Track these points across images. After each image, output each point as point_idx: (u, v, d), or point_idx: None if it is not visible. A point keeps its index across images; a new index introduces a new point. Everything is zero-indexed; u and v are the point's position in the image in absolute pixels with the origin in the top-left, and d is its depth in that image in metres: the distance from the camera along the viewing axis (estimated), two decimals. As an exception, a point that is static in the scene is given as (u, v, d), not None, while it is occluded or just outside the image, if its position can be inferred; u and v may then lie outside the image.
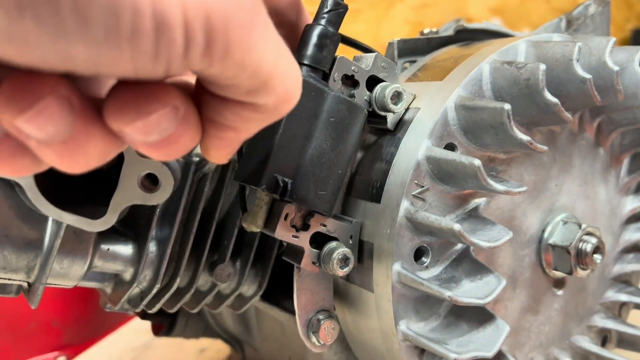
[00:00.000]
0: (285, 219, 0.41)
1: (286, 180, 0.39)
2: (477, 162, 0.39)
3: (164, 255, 0.45)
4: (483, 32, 0.57)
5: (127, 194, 0.37)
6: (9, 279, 0.41)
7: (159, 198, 0.37)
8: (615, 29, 2.06)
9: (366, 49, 0.57)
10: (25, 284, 0.42)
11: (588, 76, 0.42)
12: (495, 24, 0.57)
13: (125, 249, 0.44)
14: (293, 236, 0.42)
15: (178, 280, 0.46)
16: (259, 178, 0.39)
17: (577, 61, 0.43)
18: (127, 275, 0.45)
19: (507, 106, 0.40)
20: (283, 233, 0.41)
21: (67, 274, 0.42)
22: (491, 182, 0.40)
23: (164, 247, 0.45)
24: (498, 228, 0.41)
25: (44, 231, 0.41)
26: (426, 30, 0.64)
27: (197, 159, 0.45)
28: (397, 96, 0.44)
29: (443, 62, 0.49)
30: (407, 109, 0.45)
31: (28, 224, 0.40)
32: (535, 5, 2.17)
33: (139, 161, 0.37)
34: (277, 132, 0.39)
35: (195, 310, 0.51)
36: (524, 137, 0.40)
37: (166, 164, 0.38)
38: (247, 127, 0.26)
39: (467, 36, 0.56)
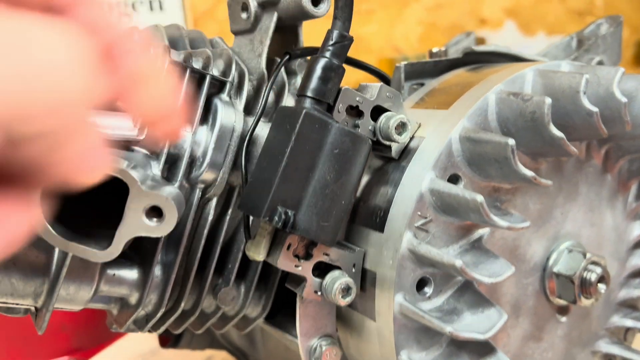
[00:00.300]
0: (288, 249, 0.42)
1: (289, 211, 0.40)
2: (480, 198, 0.39)
3: (169, 279, 0.45)
4: (492, 54, 0.56)
5: (132, 226, 0.38)
6: (17, 304, 0.42)
7: (163, 230, 0.38)
8: (632, 31, 2.04)
9: (374, 71, 0.57)
10: (32, 308, 0.43)
11: (595, 109, 0.42)
12: (504, 46, 0.57)
13: (131, 274, 0.45)
14: (295, 266, 0.42)
15: (182, 304, 0.47)
16: (261, 209, 0.39)
17: (584, 93, 0.43)
18: (133, 299, 0.46)
19: (511, 141, 0.40)
20: (286, 263, 0.42)
21: (74, 299, 0.43)
22: (494, 218, 0.40)
23: (169, 272, 0.46)
24: (501, 262, 0.41)
25: (51, 257, 0.41)
26: (435, 50, 0.64)
27: (203, 185, 0.45)
28: (401, 126, 0.44)
29: (450, 89, 0.49)
30: (412, 137, 0.45)
31: (36, 250, 0.41)
32: (551, 6, 2.15)
33: (143, 194, 0.37)
34: (280, 164, 0.40)
35: (200, 331, 0.52)
36: (528, 173, 0.40)
37: (171, 197, 0.38)
38: None
39: (476, 58, 0.56)
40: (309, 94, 0.40)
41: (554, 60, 0.60)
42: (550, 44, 0.66)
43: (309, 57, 0.52)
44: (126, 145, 0.43)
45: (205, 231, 0.46)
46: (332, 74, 0.41)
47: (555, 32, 1.95)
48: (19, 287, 0.40)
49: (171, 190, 0.39)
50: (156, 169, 0.43)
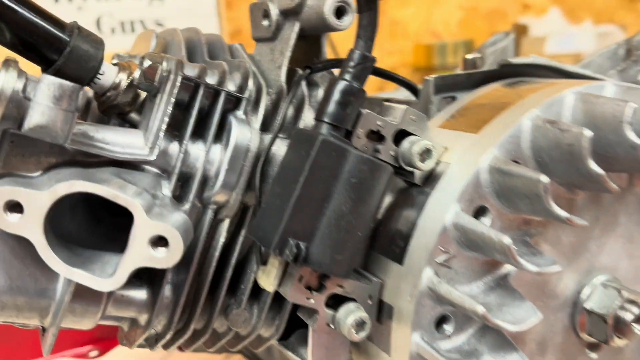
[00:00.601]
0: (300, 281, 0.40)
1: (301, 244, 0.37)
2: (507, 240, 0.36)
3: (179, 300, 0.44)
4: (530, 66, 0.52)
5: (136, 257, 0.36)
6: (23, 324, 0.41)
7: (168, 262, 0.36)
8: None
9: (401, 81, 0.54)
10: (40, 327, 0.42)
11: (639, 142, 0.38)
12: (543, 58, 0.53)
13: (140, 294, 0.44)
14: (307, 298, 0.40)
15: (192, 326, 0.45)
16: (271, 241, 0.37)
17: (629, 124, 0.39)
18: (142, 320, 0.44)
19: (544, 179, 0.37)
20: (297, 296, 0.40)
21: (81, 320, 0.42)
22: (522, 261, 0.37)
23: (179, 293, 0.44)
24: (527, 306, 0.39)
25: (57, 279, 0.40)
26: (470, 56, 0.60)
27: (215, 206, 0.43)
28: (425, 153, 0.41)
29: (482, 108, 0.46)
30: (437, 162, 0.43)
31: (40, 272, 0.40)
32: (600, -9, 2.05)
33: (148, 224, 0.36)
34: (293, 194, 0.37)
35: (212, 350, 0.50)
36: (562, 213, 0.37)
37: (178, 226, 0.37)
38: None
39: (512, 70, 0.52)
40: (327, 119, 0.38)
41: (598, 72, 0.56)
42: (593, 52, 0.62)
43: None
44: (136, 164, 0.41)
45: (217, 253, 0.44)
46: (352, 98, 0.38)
47: (603, 20, 1.85)
48: (24, 309, 0.39)
49: (178, 218, 0.38)
50: (167, 189, 0.42)
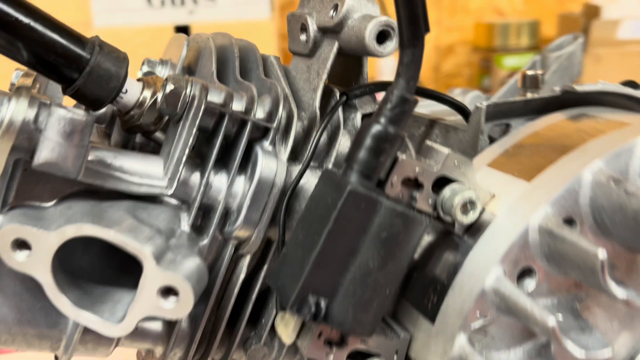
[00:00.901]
0: (319, 337, 0.37)
1: (321, 301, 0.34)
2: (552, 322, 0.32)
3: (196, 334, 0.42)
4: (598, 94, 0.46)
5: (145, 305, 0.34)
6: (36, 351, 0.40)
7: (178, 313, 0.34)
8: None
9: (450, 103, 0.49)
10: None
11: None
12: (613, 84, 0.47)
13: (155, 325, 0.42)
14: (327, 354, 0.37)
15: (209, 359, 0.43)
16: (289, 297, 0.34)
17: None
18: (157, 352, 0.43)
19: (602, 254, 0.32)
20: (315, 352, 0.37)
21: (93, 352, 0.40)
22: (568, 343, 0.32)
23: (196, 325, 0.42)
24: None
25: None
26: (530, 72, 0.54)
27: (236, 241, 0.41)
28: (468, 205, 0.36)
29: (538, 150, 0.41)
30: (482, 210, 0.38)
31: (51, 306, 0.38)
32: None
33: (158, 273, 0.33)
34: (316, 247, 0.34)
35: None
36: (620, 295, 0.32)
37: (190, 274, 0.34)
38: None
39: (576, 97, 0.47)
40: (356, 166, 0.34)
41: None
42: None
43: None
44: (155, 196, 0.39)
45: (236, 289, 0.42)
46: (387, 146, 0.34)
47: (687, 4, 1.69)
48: (34, 342, 0.38)
49: (191, 265, 0.35)
50: (185, 222, 0.39)
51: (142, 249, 0.33)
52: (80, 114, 0.34)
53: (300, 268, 0.34)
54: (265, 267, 0.43)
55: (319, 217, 0.35)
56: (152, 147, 0.46)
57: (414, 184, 0.37)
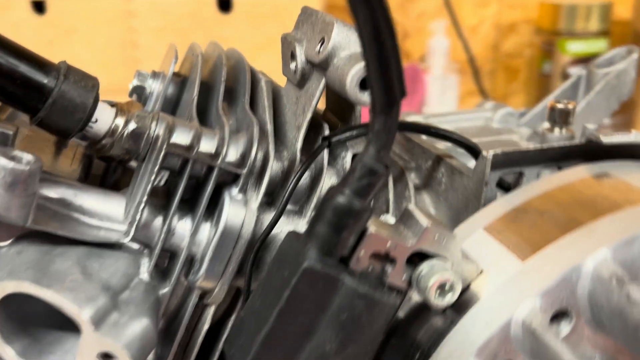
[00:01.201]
0: (272, 412, 0.34)
1: (271, 381, 0.31)
2: None
3: (159, 377, 0.40)
4: (628, 147, 0.40)
5: (85, 368, 0.32)
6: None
7: (117, 379, 0.32)
8: None
9: (461, 143, 0.44)
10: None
11: None
12: (650, 136, 0.40)
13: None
14: None
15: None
16: (238, 371, 0.32)
17: None
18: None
19: (586, 377, 0.27)
20: None
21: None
22: None
23: (160, 368, 0.40)
24: None
25: None
26: (560, 105, 0.48)
27: (200, 290, 0.38)
28: (447, 287, 0.32)
29: (541, 220, 0.36)
30: (467, 287, 0.34)
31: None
32: None
33: (96, 339, 0.31)
34: (266, 325, 0.31)
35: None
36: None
37: (131, 341, 0.32)
38: None
39: (601, 149, 0.40)
40: (315, 241, 0.30)
41: None
42: None
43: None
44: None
45: (200, 339, 0.39)
46: (350, 221, 0.30)
47: None
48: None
49: (135, 330, 0.33)
50: (145, 269, 0.37)
51: (79, 312, 0.31)
52: (26, 161, 0.31)
53: (251, 342, 0.32)
54: (233, 316, 0.40)
55: (275, 288, 0.32)
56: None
57: (385, 257, 0.32)
